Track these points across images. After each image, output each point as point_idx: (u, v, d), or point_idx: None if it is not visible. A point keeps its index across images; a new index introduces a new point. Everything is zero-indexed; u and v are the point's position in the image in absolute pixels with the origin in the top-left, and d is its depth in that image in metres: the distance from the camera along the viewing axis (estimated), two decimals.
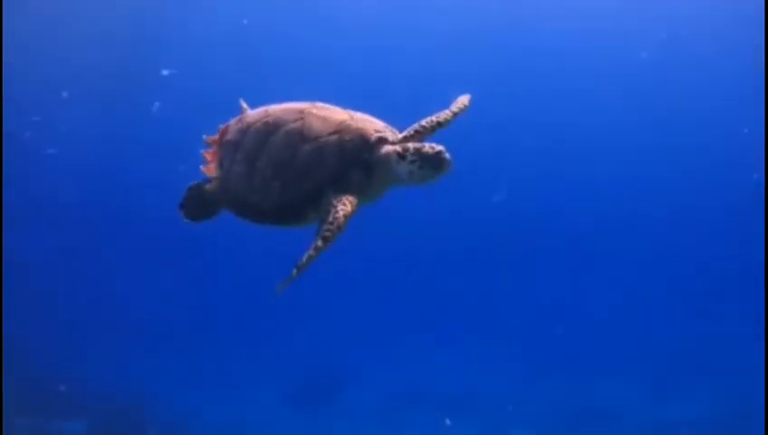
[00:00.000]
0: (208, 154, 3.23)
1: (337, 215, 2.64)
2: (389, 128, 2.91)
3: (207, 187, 3.21)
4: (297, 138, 2.83)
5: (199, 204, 3.27)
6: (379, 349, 12.06)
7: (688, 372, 11.48)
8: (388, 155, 2.77)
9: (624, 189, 15.61)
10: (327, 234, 2.60)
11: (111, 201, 14.11)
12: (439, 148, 2.68)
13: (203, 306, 13.27)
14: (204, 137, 3.26)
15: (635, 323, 13.21)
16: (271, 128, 2.91)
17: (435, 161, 2.68)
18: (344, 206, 2.67)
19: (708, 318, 13.37)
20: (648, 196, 15.48)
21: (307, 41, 14.22)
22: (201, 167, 3.22)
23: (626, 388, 10.99)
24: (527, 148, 14.82)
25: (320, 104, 2.97)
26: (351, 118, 2.87)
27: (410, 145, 2.74)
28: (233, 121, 3.20)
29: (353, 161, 2.78)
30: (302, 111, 2.90)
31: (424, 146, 2.71)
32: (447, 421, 9.73)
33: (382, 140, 2.81)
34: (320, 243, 2.59)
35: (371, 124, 2.88)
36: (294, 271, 2.57)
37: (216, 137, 3.22)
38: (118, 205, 14.05)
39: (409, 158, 2.71)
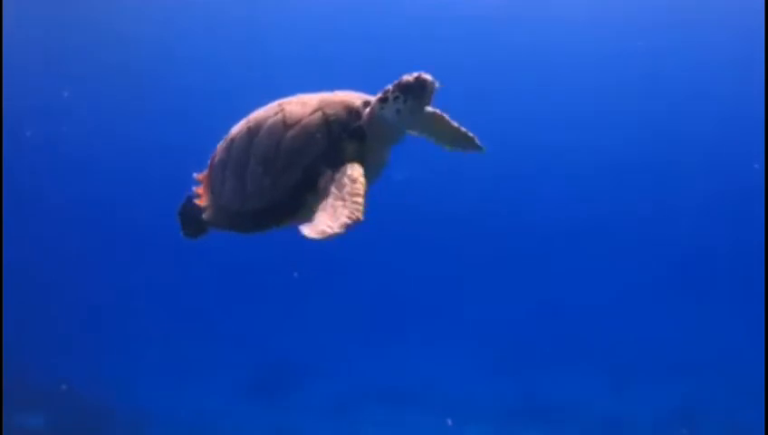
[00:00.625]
0: (199, 189, 3.13)
1: (349, 173, 2.50)
2: (378, 98, 2.76)
3: (203, 216, 3.09)
4: (280, 128, 2.73)
5: (195, 222, 3.19)
6: (337, 343, 12.00)
7: (649, 369, 11.45)
8: (373, 110, 2.66)
9: (608, 183, 15.59)
10: (355, 193, 2.42)
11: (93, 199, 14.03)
12: (416, 72, 2.56)
13: (163, 300, 13.12)
14: (194, 175, 3.17)
15: (599, 318, 13.14)
16: (253, 130, 2.82)
17: (416, 87, 2.55)
18: (351, 166, 2.54)
19: (675, 316, 13.32)
20: (629, 191, 15.44)
21: (309, 38, 14.20)
22: (195, 201, 3.13)
23: (585, 383, 10.98)
24: (521, 142, 14.78)
25: (300, 95, 2.88)
26: (333, 94, 2.78)
27: (389, 86, 2.62)
28: (219, 145, 3.09)
29: (343, 133, 2.66)
30: (280, 104, 2.83)
31: (401, 78, 2.59)
32: (449, 422, 9.75)
33: (367, 104, 2.70)
34: (351, 208, 2.37)
35: (356, 95, 2.78)
36: (330, 230, 2.32)
37: (206, 172, 3.13)
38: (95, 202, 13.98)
39: (391, 96, 2.59)
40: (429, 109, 2.93)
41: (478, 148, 3.16)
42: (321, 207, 2.47)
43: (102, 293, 12.99)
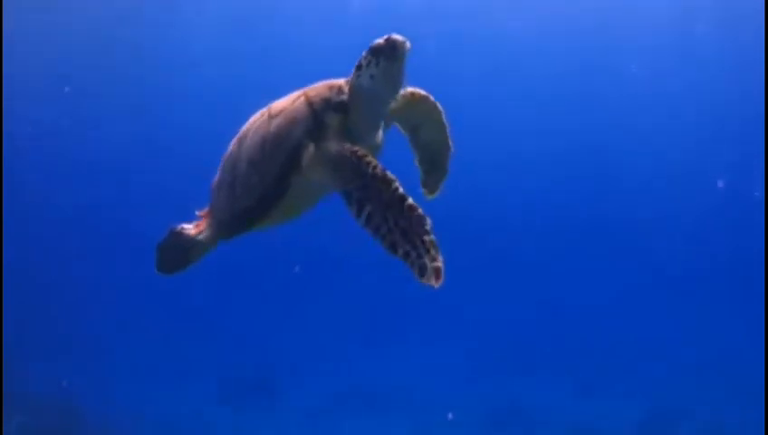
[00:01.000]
0: (200, 223, 3.13)
1: (371, 173, 2.35)
2: (354, 67, 2.70)
3: (200, 238, 3.07)
4: (265, 124, 2.72)
5: (177, 257, 3.14)
6: (314, 347, 11.90)
7: (620, 375, 11.41)
8: (351, 81, 2.60)
9: (605, 186, 15.54)
10: (401, 198, 2.27)
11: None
12: (387, 35, 2.50)
13: (137, 304, 12.78)
14: (196, 212, 3.18)
15: (573, 326, 13.02)
16: (242, 139, 2.83)
17: (387, 48, 2.47)
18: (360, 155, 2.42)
19: (646, 322, 13.25)
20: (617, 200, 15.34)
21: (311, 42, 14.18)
22: (187, 232, 3.10)
23: (558, 390, 10.92)
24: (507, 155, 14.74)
25: None
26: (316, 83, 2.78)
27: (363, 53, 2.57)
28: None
29: (325, 108, 2.60)
30: (269, 106, 2.83)
31: (373, 42, 2.54)
32: (450, 416, 9.77)
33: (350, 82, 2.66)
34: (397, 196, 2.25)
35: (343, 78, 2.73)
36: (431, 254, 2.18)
37: (207, 208, 3.13)
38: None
39: (364, 62, 2.53)
40: (422, 92, 2.93)
41: (439, 180, 3.14)
42: (384, 233, 2.27)
43: (87, 294, 12.85)
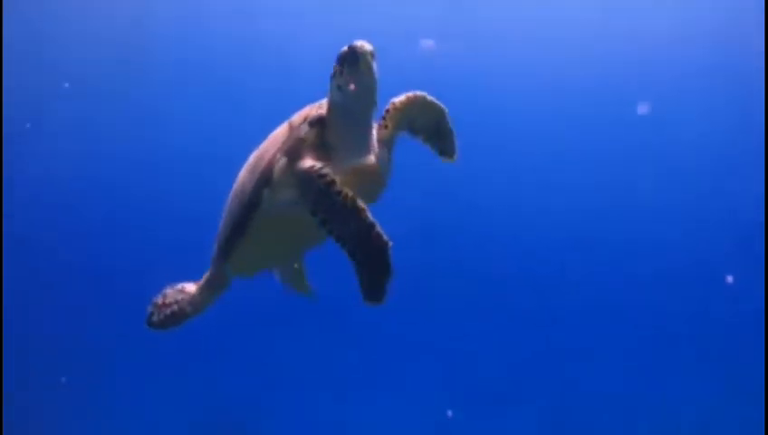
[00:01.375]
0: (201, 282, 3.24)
1: (319, 182, 2.35)
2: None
3: (200, 290, 3.17)
4: (252, 156, 2.77)
5: (174, 312, 3.17)
6: (287, 390, 11.42)
7: (618, 377, 11.27)
8: (328, 96, 2.59)
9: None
10: (348, 203, 2.29)
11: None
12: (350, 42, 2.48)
13: (99, 337, 11.75)
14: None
15: (571, 326, 12.55)
16: (236, 181, 2.89)
17: (350, 55, 2.44)
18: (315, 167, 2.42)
19: (645, 323, 12.80)
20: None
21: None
22: (193, 289, 3.18)
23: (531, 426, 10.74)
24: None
25: None
26: None
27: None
28: None
29: (302, 124, 2.58)
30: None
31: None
32: (449, 413, 9.77)
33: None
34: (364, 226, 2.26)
35: None
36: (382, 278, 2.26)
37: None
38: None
39: (332, 72, 2.51)
40: (401, 98, 2.89)
41: (451, 142, 3.11)
42: (346, 245, 2.30)
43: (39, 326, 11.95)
